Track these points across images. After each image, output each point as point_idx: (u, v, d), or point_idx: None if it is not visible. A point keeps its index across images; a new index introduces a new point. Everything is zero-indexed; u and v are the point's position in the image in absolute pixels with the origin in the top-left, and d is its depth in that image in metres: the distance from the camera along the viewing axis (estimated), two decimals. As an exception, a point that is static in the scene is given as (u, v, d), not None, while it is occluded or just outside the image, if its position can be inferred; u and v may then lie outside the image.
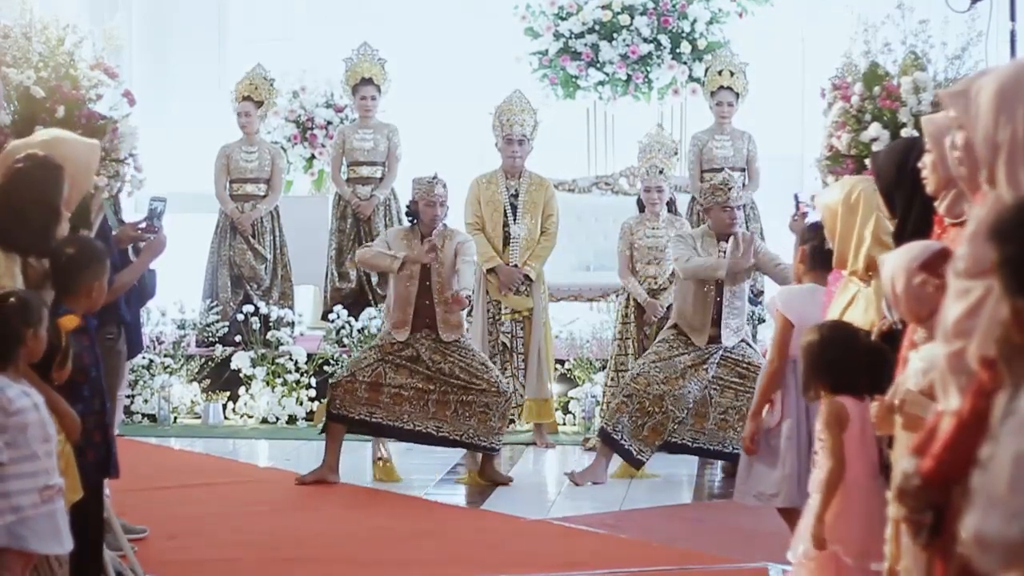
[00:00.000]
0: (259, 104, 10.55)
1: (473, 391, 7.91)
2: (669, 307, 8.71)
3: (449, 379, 7.91)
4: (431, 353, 7.92)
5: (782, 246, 7.94)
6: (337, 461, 7.91)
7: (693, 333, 7.86)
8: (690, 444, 7.95)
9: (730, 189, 7.84)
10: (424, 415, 7.95)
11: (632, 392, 7.84)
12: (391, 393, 7.92)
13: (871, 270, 4.55)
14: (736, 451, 7.30)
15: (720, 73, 10.18)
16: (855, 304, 4.64)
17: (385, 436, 8.09)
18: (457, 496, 7.99)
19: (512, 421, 9.40)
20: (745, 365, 7.83)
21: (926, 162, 3.82)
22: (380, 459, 8.12)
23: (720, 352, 7.85)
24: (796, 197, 6.91)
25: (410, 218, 8.04)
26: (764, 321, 9.84)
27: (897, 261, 3.67)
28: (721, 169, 10.17)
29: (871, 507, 4.26)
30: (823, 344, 4.42)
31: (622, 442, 7.85)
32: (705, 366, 7.84)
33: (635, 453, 7.85)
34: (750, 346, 8.00)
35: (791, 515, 5.37)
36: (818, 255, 5.52)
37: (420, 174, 8.07)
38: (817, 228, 5.70)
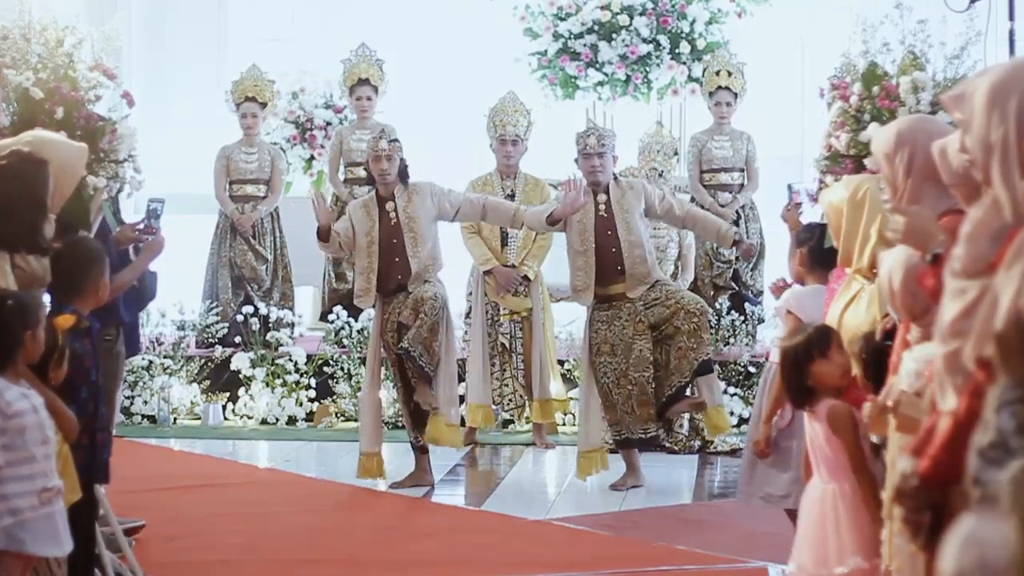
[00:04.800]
0: (263, 104, 10.56)
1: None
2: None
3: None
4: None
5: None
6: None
7: (578, 295, 7.93)
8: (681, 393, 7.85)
9: (589, 136, 7.98)
10: None
11: (602, 386, 7.83)
12: None
13: (875, 267, 4.55)
14: (707, 359, 7.68)
15: (718, 73, 10.17)
16: (858, 301, 4.63)
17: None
18: (457, 496, 8.00)
19: (511, 421, 9.44)
20: (655, 298, 7.81)
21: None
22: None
23: (640, 303, 7.83)
24: (790, 187, 6.89)
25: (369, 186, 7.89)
26: (763, 321, 9.83)
27: (896, 257, 3.68)
28: (720, 170, 10.19)
29: (823, 514, 4.31)
30: (787, 354, 4.49)
31: (631, 435, 7.79)
32: (639, 319, 7.82)
33: (644, 436, 7.80)
34: (660, 283, 7.94)
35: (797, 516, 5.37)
36: (817, 256, 5.52)
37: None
38: (812, 229, 5.70)
